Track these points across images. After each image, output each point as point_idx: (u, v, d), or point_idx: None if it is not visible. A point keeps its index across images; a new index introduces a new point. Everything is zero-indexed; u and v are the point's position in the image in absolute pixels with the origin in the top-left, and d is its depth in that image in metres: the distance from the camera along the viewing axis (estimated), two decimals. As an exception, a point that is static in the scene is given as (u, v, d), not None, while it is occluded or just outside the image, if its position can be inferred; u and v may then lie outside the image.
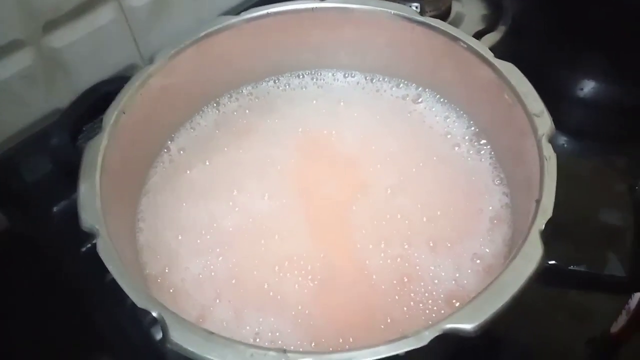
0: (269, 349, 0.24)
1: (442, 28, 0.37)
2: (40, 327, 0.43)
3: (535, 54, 0.60)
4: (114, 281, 0.41)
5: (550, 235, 0.28)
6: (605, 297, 0.42)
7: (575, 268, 0.28)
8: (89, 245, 0.43)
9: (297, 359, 0.24)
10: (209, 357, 0.24)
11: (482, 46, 0.36)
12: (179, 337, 0.25)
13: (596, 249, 0.28)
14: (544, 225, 0.27)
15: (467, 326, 0.24)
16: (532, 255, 0.26)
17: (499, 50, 0.56)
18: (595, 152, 0.52)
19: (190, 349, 0.24)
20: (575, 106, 0.56)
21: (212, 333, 0.25)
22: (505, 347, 0.40)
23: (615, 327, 0.44)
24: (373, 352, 0.24)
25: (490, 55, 0.35)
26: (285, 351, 0.24)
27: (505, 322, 0.38)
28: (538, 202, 0.28)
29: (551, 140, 0.31)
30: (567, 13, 0.56)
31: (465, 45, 0.36)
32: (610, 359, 0.47)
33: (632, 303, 0.46)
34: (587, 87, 0.56)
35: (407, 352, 0.24)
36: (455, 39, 0.37)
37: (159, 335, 0.39)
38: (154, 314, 0.25)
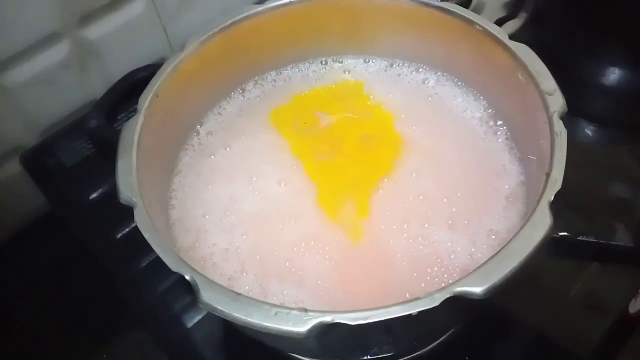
0: (292, 308, 0.26)
1: (458, 12, 0.38)
2: (75, 309, 0.45)
3: (557, 41, 0.60)
4: (145, 267, 0.43)
5: (560, 207, 0.29)
6: (620, 277, 0.43)
7: (585, 239, 0.29)
8: (124, 231, 0.46)
9: (318, 317, 0.25)
10: (236, 315, 0.26)
11: (497, 28, 0.37)
12: (209, 297, 0.27)
13: (605, 220, 0.29)
14: (552, 197, 0.28)
15: (477, 289, 0.26)
16: (540, 224, 0.28)
17: (520, 38, 0.57)
18: (618, 141, 0.52)
19: (220, 307, 0.26)
20: (598, 94, 0.56)
21: (239, 294, 0.27)
22: (517, 330, 0.41)
23: (634, 308, 0.45)
24: (387, 311, 0.25)
25: (505, 37, 0.36)
26: (306, 310, 0.26)
27: (517, 304, 0.40)
28: (548, 175, 0.29)
29: (563, 117, 0.32)
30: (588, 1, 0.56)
31: (481, 28, 0.37)
32: (627, 339, 0.48)
33: (651, 283, 0.46)
34: (610, 74, 0.55)
35: (420, 312, 0.25)
36: (471, 22, 0.38)
37: (189, 321, 0.42)
38: (187, 277, 0.27)
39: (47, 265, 0.48)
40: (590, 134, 0.52)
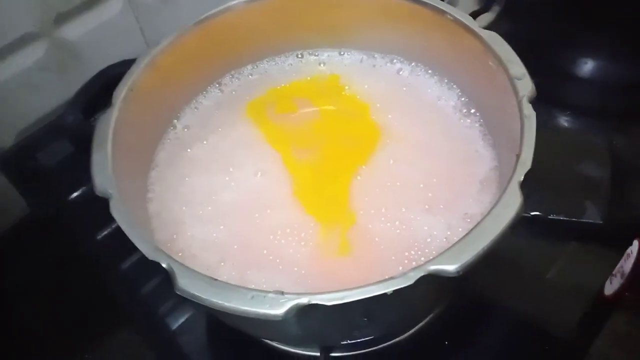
0: (268, 292, 0.26)
1: (430, 2, 0.39)
2: (58, 310, 0.45)
3: (530, 33, 0.61)
4: (129, 267, 0.43)
5: (531, 187, 0.30)
6: (595, 258, 0.44)
7: (555, 217, 0.30)
8: (105, 232, 0.46)
9: (294, 299, 0.26)
10: (213, 300, 0.26)
11: (468, 17, 0.38)
12: (186, 284, 0.27)
13: (575, 198, 0.30)
14: (522, 177, 0.29)
15: (450, 267, 0.26)
16: (511, 203, 0.28)
17: (493, 30, 0.58)
18: (590, 128, 0.53)
19: (197, 293, 0.26)
20: (572, 83, 0.57)
21: (216, 279, 0.27)
22: (496, 314, 0.42)
23: (609, 290, 0.46)
24: (363, 291, 0.26)
25: (475, 26, 0.37)
26: (283, 293, 0.26)
27: (495, 288, 0.40)
28: (518, 156, 0.30)
29: (532, 101, 0.32)
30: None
31: (452, 18, 0.38)
32: (604, 321, 0.48)
33: (626, 266, 0.47)
34: (583, 64, 0.57)
35: (395, 291, 0.26)
36: (442, 12, 0.38)
37: (173, 322, 0.42)
38: (164, 265, 0.28)
39: (31, 267, 0.48)
40: (565, 123, 0.53)
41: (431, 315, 0.40)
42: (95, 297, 0.44)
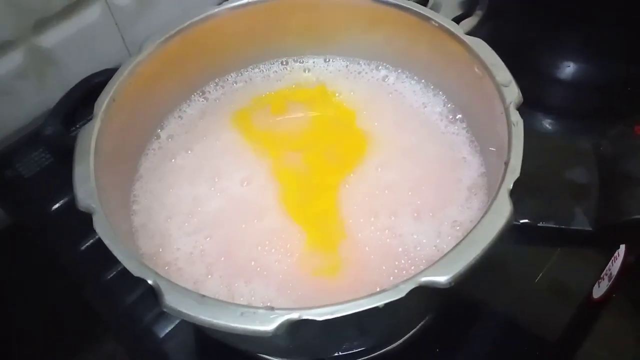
0: (258, 308, 0.26)
1: (414, 9, 0.39)
2: (42, 321, 0.44)
3: (513, 36, 0.61)
4: (113, 278, 0.42)
5: (520, 195, 0.30)
6: (583, 263, 0.44)
7: (545, 224, 0.30)
8: (88, 243, 0.45)
9: (284, 315, 0.25)
10: (201, 317, 0.26)
11: (453, 24, 0.37)
12: (173, 301, 0.26)
13: (563, 205, 0.30)
14: (512, 185, 0.29)
15: (442, 278, 0.26)
16: (501, 212, 0.28)
17: (476, 35, 0.58)
18: (575, 131, 0.54)
19: (184, 310, 0.26)
20: (555, 86, 0.57)
21: (204, 296, 0.26)
22: (486, 319, 0.42)
23: (597, 293, 0.46)
24: (354, 305, 0.25)
25: (460, 32, 0.37)
26: (273, 308, 0.26)
27: (485, 293, 0.40)
28: (506, 163, 0.30)
29: (518, 108, 0.32)
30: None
31: (437, 24, 0.38)
32: (592, 323, 0.49)
33: (614, 268, 0.48)
34: (566, 67, 0.57)
35: (386, 304, 0.25)
36: (426, 18, 0.38)
37: (160, 331, 0.41)
38: (150, 282, 0.27)
39: (14, 277, 0.47)
40: (549, 126, 0.53)
41: (422, 323, 0.40)
42: (78, 307, 0.43)
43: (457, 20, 0.58)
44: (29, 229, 0.48)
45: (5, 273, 0.47)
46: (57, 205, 0.47)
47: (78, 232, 0.44)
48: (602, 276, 0.46)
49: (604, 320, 0.47)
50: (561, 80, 0.57)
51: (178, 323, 0.41)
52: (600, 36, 0.55)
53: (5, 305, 0.46)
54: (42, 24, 0.49)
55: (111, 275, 0.44)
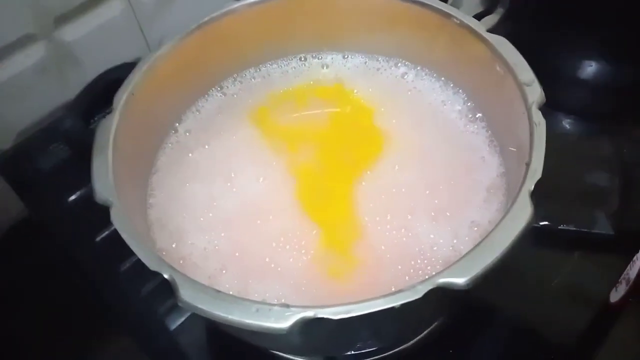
0: (273, 304, 0.26)
1: (435, 5, 0.38)
2: (56, 313, 0.44)
3: (534, 35, 0.60)
4: (128, 269, 0.43)
5: (540, 197, 0.29)
6: (601, 266, 0.43)
7: (565, 227, 0.29)
8: (104, 234, 0.45)
9: (300, 312, 0.25)
10: (217, 313, 0.26)
11: (474, 21, 0.37)
12: (189, 296, 0.26)
13: (585, 209, 0.29)
14: (533, 186, 0.28)
15: (459, 280, 0.26)
16: (521, 214, 0.28)
17: (497, 33, 0.57)
18: (595, 132, 0.53)
19: (200, 306, 0.26)
20: (576, 86, 0.56)
21: (220, 291, 0.26)
22: (501, 321, 0.41)
23: (615, 297, 0.45)
24: (370, 304, 0.25)
25: (482, 30, 0.36)
26: (288, 306, 0.25)
27: (500, 295, 0.40)
28: (528, 165, 0.29)
29: (541, 108, 0.32)
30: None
31: (458, 21, 0.37)
32: (609, 329, 0.48)
33: (632, 272, 0.47)
34: (586, 67, 0.56)
35: (403, 305, 0.25)
36: (448, 15, 0.38)
37: (172, 324, 0.41)
38: (166, 276, 0.27)
39: (28, 270, 0.47)
40: (568, 127, 0.52)
41: (436, 323, 0.39)
42: (92, 300, 0.44)
43: (478, 17, 0.57)
44: (47, 220, 0.48)
45: (20, 265, 0.48)
46: (73, 197, 0.48)
47: (94, 223, 0.45)
48: (619, 280, 0.45)
49: (621, 325, 0.46)
50: (582, 81, 0.56)
51: (190, 316, 0.41)
52: (620, 37, 0.54)
53: (18, 298, 0.46)
54: (63, 18, 0.49)
55: (125, 267, 0.44)
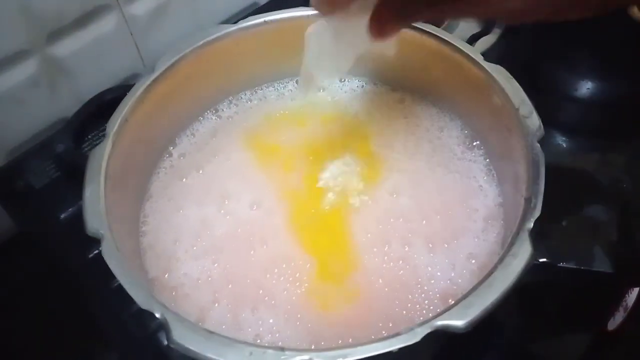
0: (267, 347, 0.25)
1: (433, 32, 0.38)
2: (48, 329, 0.44)
3: (531, 55, 0.61)
4: (119, 286, 0.42)
5: (539, 232, 0.29)
6: (599, 293, 0.43)
7: (565, 265, 0.29)
8: (96, 251, 0.44)
9: (295, 356, 0.24)
10: (209, 355, 0.25)
11: (472, 49, 0.37)
12: (181, 337, 0.26)
13: (583, 244, 0.29)
14: (532, 224, 0.28)
15: (458, 322, 0.25)
16: (521, 253, 0.27)
17: (494, 53, 0.57)
18: (591, 150, 0.53)
19: (192, 348, 0.25)
20: (572, 104, 0.56)
21: (213, 332, 0.26)
22: (498, 347, 0.40)
23: (612, 325, 0.45)
24: (367, 349, 0.25)
25: (479, 58, 0.36)
26: (283, 349, 0.25)
27: (498, 320, 0.39)
28: (527, 200, 0.29)
29: (539, 141, 0.31)
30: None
31: (455, 49, 0.37)
32: (608, 356, 0.48)
33: (630, 300, 0.47)
34: (583, 85, 0.56)
35: (400, 349, 0.25)
36: (445, 42, 0.38)
37: (164, 338, 0.40)
38: (157, 315, 0.26)
39: (19, 286, 0.47)
40: (564, 145, 0.52)
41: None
42: (83, 316, 0.43)
43: (475, 37, 0.57)
44: (37, 237, 0.47)
45: (9, 282, 0.47)
46: (65, 214, 0.47)
47: (86, 240, 0.44)
48: (617, 308, 0.45)
49: (618, 352, 0.46)
50: (578, 99, 0.56)
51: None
52: (614, 55, 0.54)
53: (7, 314, 0.45)
54: (56, 33, 0.49)
55: (117, 284, 0.43)
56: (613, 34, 0.52)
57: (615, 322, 0.45)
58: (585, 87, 0.56)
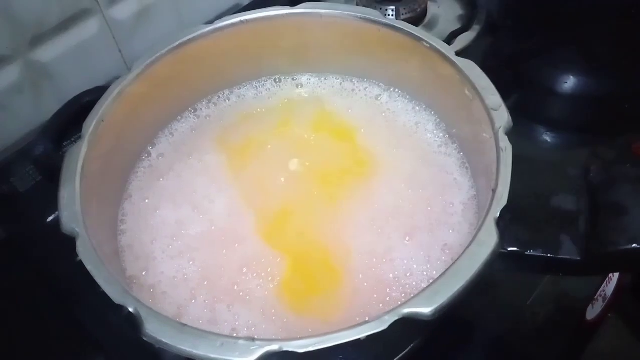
0: (238, 338, 0.25)
1: (406, 29, 0.39)
2: (36, 333, 0.44)
3: (511, 50, 0.61)
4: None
5: (508, 222, 0.29)
6: (577, 284, 0.44)
7: (533, 253, 0.29)
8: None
9: (265, 346, 0.25)
10: (182, 347, 0.25)
11: (444, 45, 0.37)
12: (154, 330, 0.26)
13: (551, 233, 0.29)
14: (498, 213, 0.28)
15: (425, 310, 0.26)
16: (487, 241, 0.28)
17: (475, 49, 0.58)
18: (571, 145, 0.54)
19: (164, 340, 0.26)
20: (556, 100, 0.57)
21: (185, 325, 0.26)
22: (478, 341, 0.41)
23: (591, 314, 0.46)
24: (336, 337, 0.25)
25: (451, 54, 0.36)
26: (254, 339, 0.25)
27: (476, 315, 0.40)
28: (494, 191, 0.29)
29: (507, 132, 0.32)
30: (541, 9, 0.57)
31: (428, 45, 0.38)
32: (586, 345, 0.48)
33: (608, 289, 0.47)
34: (563, 80, 0.57)
35: (368, 337, 0.25)
36: (418, 39, 0.38)
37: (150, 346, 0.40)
38: (130, 309, 0.27)
39: (6, 292, 0.47)
40: (545, 138, 0.53)
41: (411, 345, 0.39)
42: (71, 320, 0.43)
43: (455, 34, 0.58)
44: (23, 242, 0.48)
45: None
46: (51, 218, 0.47)
47: (72, 244, 0.44)
48: (596, 297, 0.45)
49: (598, 341, 0.46)
50: (558, 93, 0.56)
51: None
52: (596, 50, 0.55)
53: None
54: (39, 38, 0.49)
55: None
56: (595, 27, 0.53)
57: (594, 311, 0.45)
58: (569, 82, 0.56)
